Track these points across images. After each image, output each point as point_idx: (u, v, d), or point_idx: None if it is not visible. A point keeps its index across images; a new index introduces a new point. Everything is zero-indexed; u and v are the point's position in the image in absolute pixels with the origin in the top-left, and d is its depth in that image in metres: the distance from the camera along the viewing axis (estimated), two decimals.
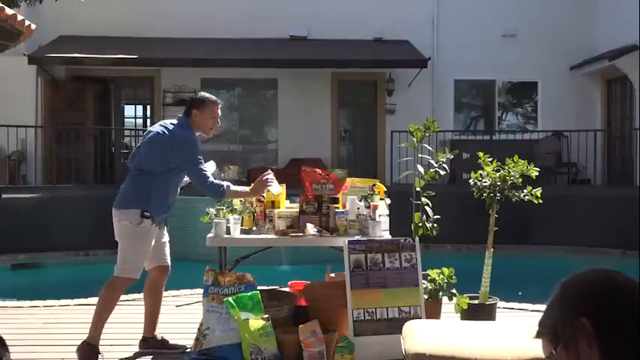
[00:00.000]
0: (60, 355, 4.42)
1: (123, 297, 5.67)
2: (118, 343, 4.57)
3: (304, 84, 13.88)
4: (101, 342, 4.24)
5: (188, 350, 4.37)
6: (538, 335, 1.21)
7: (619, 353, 1.08)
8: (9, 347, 1.36)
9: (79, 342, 4.19)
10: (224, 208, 4.59)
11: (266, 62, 13.11)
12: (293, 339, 4.00)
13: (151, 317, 4.51)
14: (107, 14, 13.22)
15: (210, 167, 4.38)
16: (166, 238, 4.50)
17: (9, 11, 5.82)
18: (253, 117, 14.88)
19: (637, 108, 12.56)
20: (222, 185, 4.21)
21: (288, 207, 4.66)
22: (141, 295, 5.69)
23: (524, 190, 4.88)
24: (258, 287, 4.28)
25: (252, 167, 14.00)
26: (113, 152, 13.80)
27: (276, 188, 4.44)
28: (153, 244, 4.28)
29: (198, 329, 4.16)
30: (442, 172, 4.92)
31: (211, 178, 4.21)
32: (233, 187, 4.31)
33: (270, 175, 4.38)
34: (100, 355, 4.17)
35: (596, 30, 13.77)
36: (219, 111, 4.41)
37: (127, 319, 5.22)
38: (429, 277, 4.67)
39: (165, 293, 4.66)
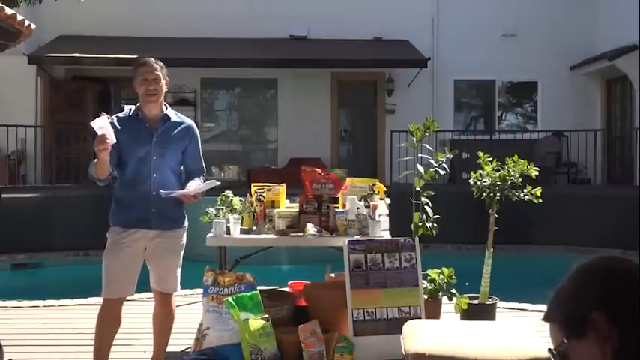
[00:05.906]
0: (60, 355, 4.42)
1: None
2: (117, 343, 4.56)
3: (304, 84, 13.88)
4: None
5: (188, 350, 4.37)
6: (548, 319, 1.15)
7: (636, 344, 1.03)
8: (7, 347, 1.36)
9: (79, 342, 4.18)
10: (224, 208, 4.58)
11: (266, 62, 13.10)
12: (293, 339, 4.00)
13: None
14: (107, 14, 13.22)
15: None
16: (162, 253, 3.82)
17: (9, 11, 5.83)
18: (253, 117, 14.88)
19: (637, 108, 12.56)
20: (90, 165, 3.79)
21: (288, 207, 4.65)
22: (141, 295, 5.71)
23: (524, 190, 4.88)
24: (258, 287, 4.28)
25: (252, 167, 14.03)
26: None
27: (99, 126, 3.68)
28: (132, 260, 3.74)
29: (198, 329, 4.16)
30: (442, 172, 4.92)
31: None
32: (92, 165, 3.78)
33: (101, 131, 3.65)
34: None
35: (596, 30, 13.76)
36: (149, 69, 3.78)
37: (127, 319, 5.20)
38: (428, 277, 4.68)
39: None
